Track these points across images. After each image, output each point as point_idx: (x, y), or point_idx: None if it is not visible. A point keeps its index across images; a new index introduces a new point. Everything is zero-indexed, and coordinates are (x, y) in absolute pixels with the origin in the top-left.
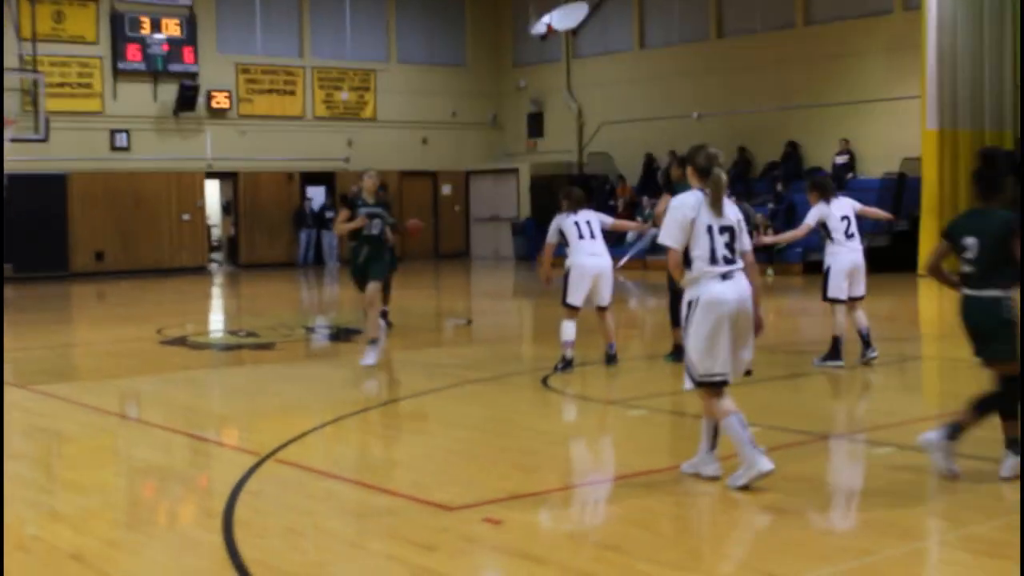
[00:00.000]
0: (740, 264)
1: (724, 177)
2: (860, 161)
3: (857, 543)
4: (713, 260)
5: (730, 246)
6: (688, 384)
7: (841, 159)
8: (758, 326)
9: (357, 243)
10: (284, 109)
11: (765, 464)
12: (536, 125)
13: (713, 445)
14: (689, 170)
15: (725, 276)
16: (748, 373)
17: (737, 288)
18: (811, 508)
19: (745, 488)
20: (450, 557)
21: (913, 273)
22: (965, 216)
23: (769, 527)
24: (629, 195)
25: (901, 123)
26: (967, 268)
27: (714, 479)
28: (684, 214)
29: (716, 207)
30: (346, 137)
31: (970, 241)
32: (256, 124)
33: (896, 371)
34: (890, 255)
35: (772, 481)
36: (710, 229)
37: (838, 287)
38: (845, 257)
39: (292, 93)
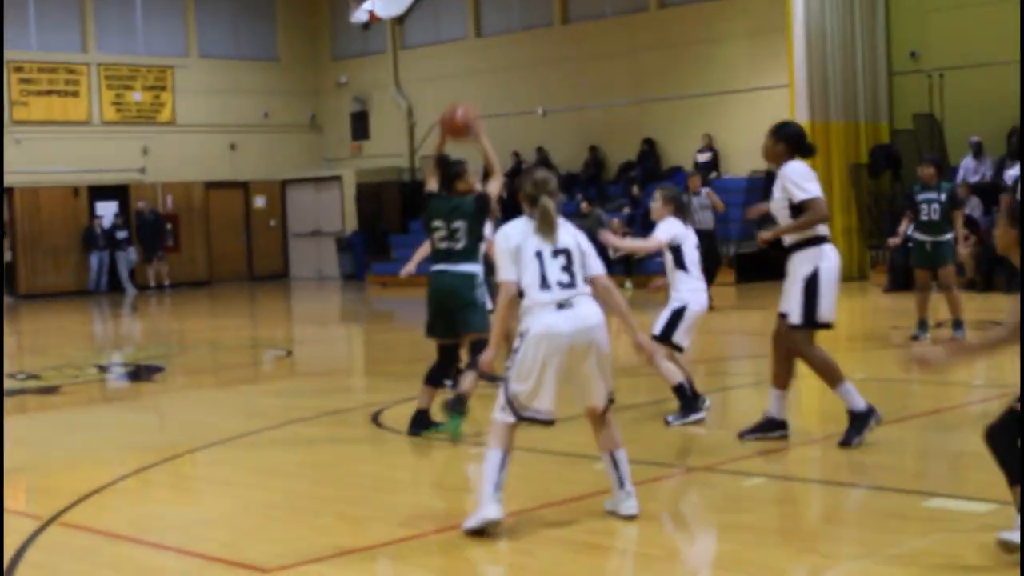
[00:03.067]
0: (582, 290)
1: (552, 206)
2: (724, 159)
3: None
4: (545, 286)
5: (568, 270)
6: (501, 414)
7: (703, 157)
8: (643, 348)
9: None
10: (66, 113)
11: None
12: (361, 126)
13: (498, 485)
14: (520, 196)
15: (562, 305)
16: (611, 402)
17: (575, 318)
18: (678, 552)
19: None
20: None
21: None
22: None
23: (630, 573)
24: None
25: (768, 115)
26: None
27: (495, 522)
28: (509, 242)
29: (545, 235)
30: (141, 144)
31: None
32: (34, 131)
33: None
34: (758, 262)
35: (636, 525)
36: (540, 254)
37: (685, 335)
38: (702, 298)
39: (75, 95)
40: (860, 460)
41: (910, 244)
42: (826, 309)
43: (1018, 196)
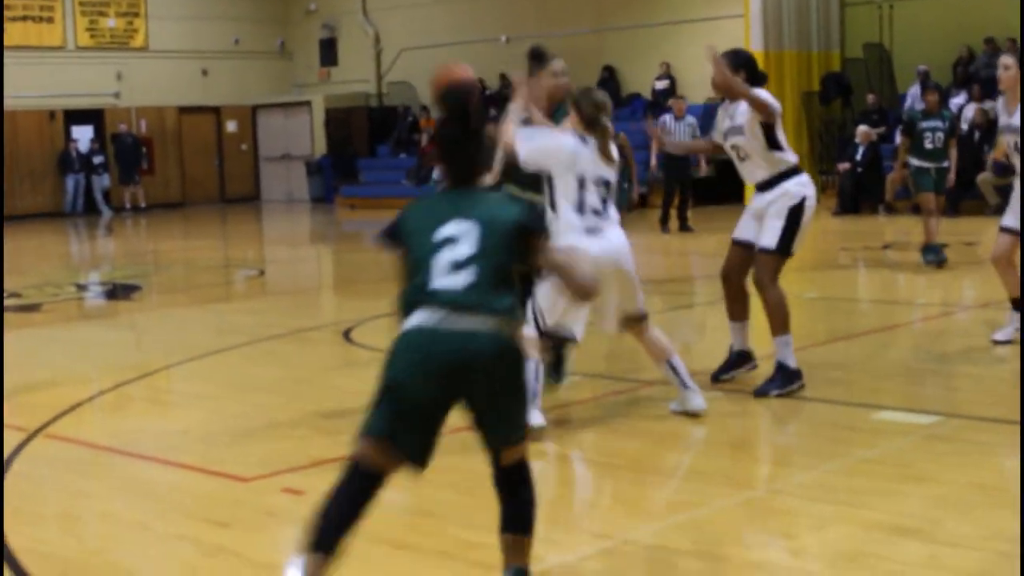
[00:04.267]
0: (612, 217)
1: (611, 128)
2: (681, 86)
3: (686, 497)
4: (580, 211)
5: (604, 199)
6: (526, 328)
7: (661, 84)
8: None
9: None
10: (41, 39)
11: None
12: (329, 53)
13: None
14: (573, 117)
15: (591, 230)
16: (643, 318)
17: (603, 242)
18: (638, 462)
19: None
20: (246, 533)
21: (740, 205)
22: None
23: (594, 484)
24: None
25: (723, 44)
26: None
27: (537, 428)
28: (562, 148)
29: (602, 158)
30: (115, 70)
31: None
32: (10, 56)
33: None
34: (715, 186)
35: (598, 436)
36: (582, 182)
37: None
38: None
39: (50, 20)
40: (810, 375)
41: (910, 170)
42: (800, 240)
43: (962, 124)
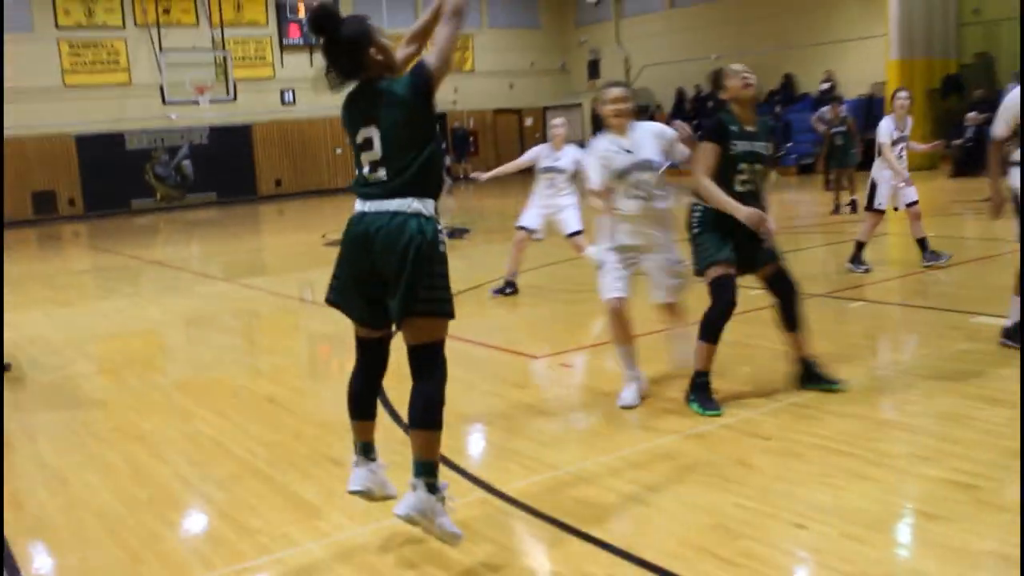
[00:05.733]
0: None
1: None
2: (839, 87)
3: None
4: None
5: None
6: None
7: (825, 86)
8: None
9: None
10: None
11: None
12: (594, 70)
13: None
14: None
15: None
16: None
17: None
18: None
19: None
20: (537, 391)
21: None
22: None
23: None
24: (665, 120)
25: (870, 56)
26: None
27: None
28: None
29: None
30: (453, 86)
31: None
32: None
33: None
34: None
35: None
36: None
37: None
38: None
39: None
40: (924, 291)
41: None
42: None
43: None
